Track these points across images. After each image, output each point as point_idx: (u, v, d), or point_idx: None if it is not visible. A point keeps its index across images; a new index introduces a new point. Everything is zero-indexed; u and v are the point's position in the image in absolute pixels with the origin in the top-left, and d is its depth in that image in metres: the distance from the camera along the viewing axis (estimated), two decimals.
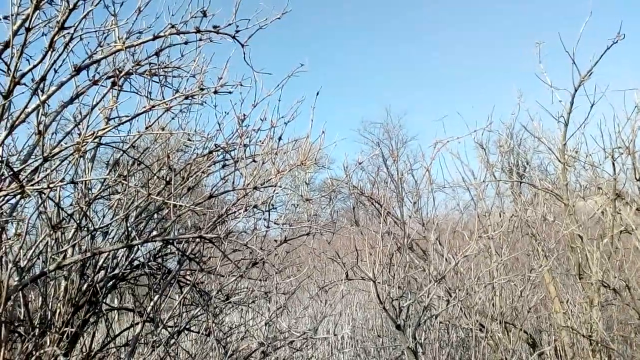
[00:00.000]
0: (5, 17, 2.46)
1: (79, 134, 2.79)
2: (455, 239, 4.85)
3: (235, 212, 3.37)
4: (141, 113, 3.03)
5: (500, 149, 5.46)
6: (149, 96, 3.32)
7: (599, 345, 4.42)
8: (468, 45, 48.13)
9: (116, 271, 3.64)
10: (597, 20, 4.88)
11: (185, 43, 3.22)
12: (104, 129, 2.57)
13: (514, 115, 5.34)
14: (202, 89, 2.77)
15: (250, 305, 4.06)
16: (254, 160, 3.24)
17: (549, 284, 4.97)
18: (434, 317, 3.94)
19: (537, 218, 4.96)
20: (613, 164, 4.60)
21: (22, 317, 2.92)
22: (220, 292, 3.91)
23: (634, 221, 4.80)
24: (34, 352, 2.75)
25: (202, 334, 4.06)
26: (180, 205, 3.05)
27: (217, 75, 3.33)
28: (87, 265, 3.56)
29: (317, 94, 3.57)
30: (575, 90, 4.66)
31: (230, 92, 3.32)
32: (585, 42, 4.63)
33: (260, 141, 3.85)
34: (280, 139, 3.83)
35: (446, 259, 3.77)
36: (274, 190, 3.36)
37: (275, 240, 3.93)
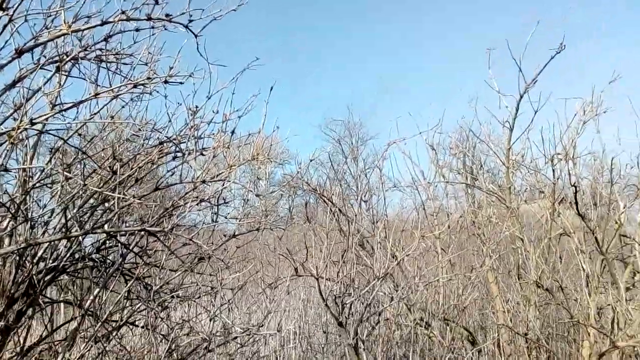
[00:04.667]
0: None
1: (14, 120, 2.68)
2: (406, 237, 4.96)
3: (181, 205, 3.32)
4: (86, 100, 2.93)
5: (450, 151, 5.62)
6: (96, 83, 3.22)
7: (534, 343, 4.63)
8: (428, 52, 49.06)
9: (56, 263, 3.51)
10: (546, 30, 5.09)
11: (137, 30, 3.14)
12: (43, 115, 2.47)
13: (464, 119, 5.51)
14: (149, 78, 2.70)
15: (196, 301, 4.01)
16: (202, 154, 3.20)
17: (491, 284, 5.16)
18: (378, 314, 4.02)
19: (483, 219, 5.14)
20: (553, 170, 4.83)
21: None
22: (165, 287, 3.85)
23: (572, 224, 5.04)
24: None
25: (147, 328, 3.98)
26: (124, 198, 2.97)
27: (170, 65, 3.27)
28: (25, 256, 3.42)
29: (271, 88, 3.57)
30: (521, 97, 4.85)
31: (181, 83, 3.26)
32: (533, 51, 4.83)
33: (213, 134, 3.81)
34: (233, 132, 3.80)
35: (392, 256, 3.85)
36: (224, 184, 3.33)
37: (224, 235, 3.89)
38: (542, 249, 4.88)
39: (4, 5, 2.45)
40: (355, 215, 4.25)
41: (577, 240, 4.80)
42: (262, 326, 3.48)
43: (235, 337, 3.37)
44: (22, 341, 3.57)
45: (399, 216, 6.13)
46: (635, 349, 4.27)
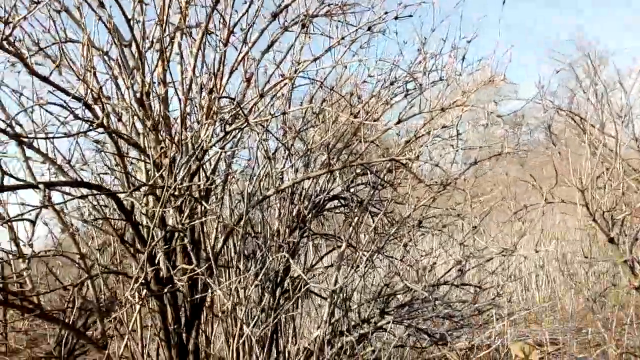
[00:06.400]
0: None
1: (281, 75, 3.16)
2: None
3: (423, 135, 3.44)
4: (331, 48, 3.23)
5: None
6: (328, 36, 3.51)
7: None
8: None
9: (318, 200, 4.06)
10: None
11: None
12: (303, 62, 2.84)
13: None
14: (386, 13, 2.84)
15: (442, 230, 4.14)
16: (441, 79, 3.22)
17: None
18: None
19: None
20: None
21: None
22: (410, 218, 4.07)
23: None
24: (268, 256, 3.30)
25: (395, 259, 4.30)
26: (366, 137, 3.23)
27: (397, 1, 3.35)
28: (294, 195, 4.06)
29: (504, 2, 3.33)
30: None
31: (410, 16, 3.32)
32: None
33: (443, 65, 3.79)
34: (463, 58, 3.72)
35: None
36: (463, 110, 3.31)
37: (464, 164, 3.90)
38: None
39: None
40: (617, 133, 3.71)
41: None
42: (516, 247, 3.42)
43: (491, 259, 3.40)
44: (303, 262, 4.32)
45: None
46: None
